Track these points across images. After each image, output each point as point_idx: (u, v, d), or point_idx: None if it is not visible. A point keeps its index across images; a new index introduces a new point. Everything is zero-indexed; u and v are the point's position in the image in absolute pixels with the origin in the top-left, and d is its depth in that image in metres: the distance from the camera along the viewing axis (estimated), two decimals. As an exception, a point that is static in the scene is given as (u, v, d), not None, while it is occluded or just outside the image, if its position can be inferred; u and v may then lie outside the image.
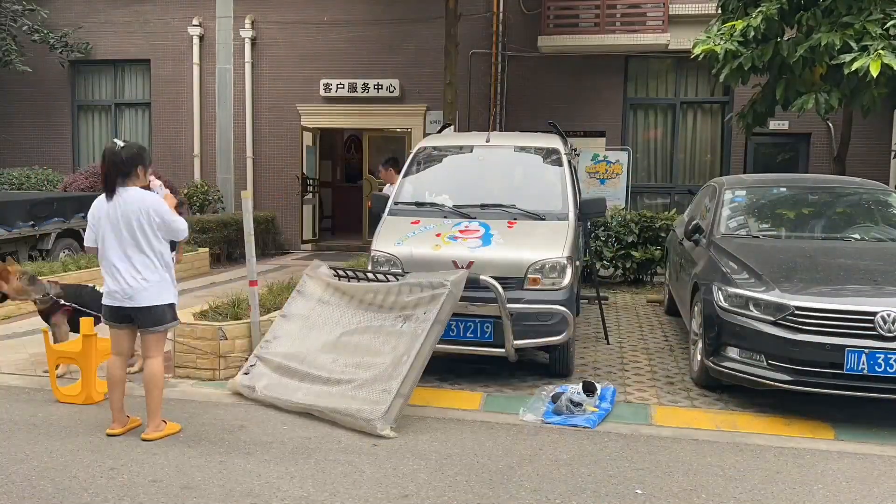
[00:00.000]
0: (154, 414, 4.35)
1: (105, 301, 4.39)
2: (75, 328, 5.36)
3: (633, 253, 9.69)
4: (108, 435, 4.35)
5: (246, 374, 5.19)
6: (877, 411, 4.94)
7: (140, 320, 4.37)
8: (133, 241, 4.31)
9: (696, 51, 8.46)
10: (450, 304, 4.82)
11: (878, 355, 4.45)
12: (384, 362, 4.72)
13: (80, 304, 5.50)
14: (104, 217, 4.34)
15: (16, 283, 5.45)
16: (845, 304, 4.61)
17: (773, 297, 4.77)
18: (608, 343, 6.75)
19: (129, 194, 4.34)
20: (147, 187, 4.72)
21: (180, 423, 4.52)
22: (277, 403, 4.88)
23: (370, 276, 5.41)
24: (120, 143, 4.41)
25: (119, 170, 4.34)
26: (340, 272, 5.61)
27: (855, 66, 7.23)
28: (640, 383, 5.55)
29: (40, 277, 5.71)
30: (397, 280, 5.17)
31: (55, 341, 5.36)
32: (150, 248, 4.34)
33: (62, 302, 5.48)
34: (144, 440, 4.26)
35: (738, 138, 12.42)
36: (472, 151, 6.80)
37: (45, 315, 5.55)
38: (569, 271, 5.43)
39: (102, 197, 4.38)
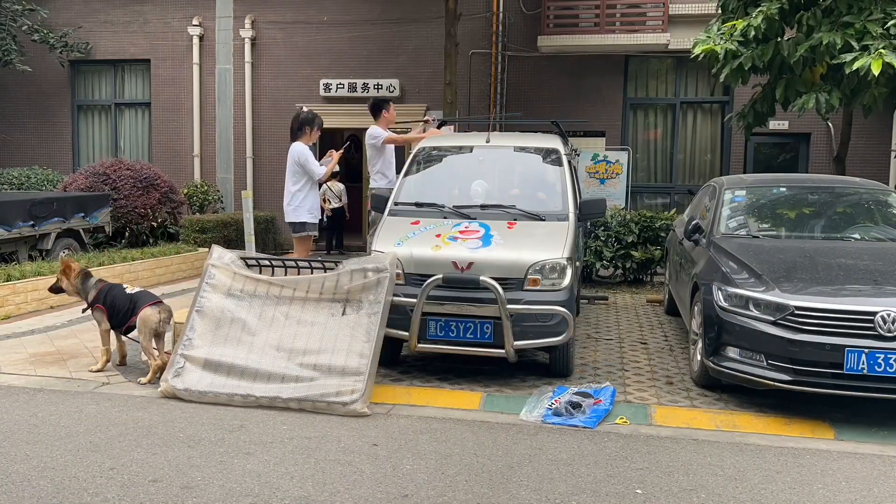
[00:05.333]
0: None
1: None
2: (119, 324, 5.62)
3: (633, 253, 9.69)
4: None
5: (177, 375, 5.06)
6: (877, 411, 4.94)
7: None
8: None
9: (696, 51, 8.46)
10: (392, 285, 5.24)
11: (877, 355, 4.46)
12: (343, 350, 4.95)
13: (111, 303, 5.59)
14: None
15: (73, 281, 5.70)
16: (845, 304, 4.61)
17: (773, 296, 4.77)
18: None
19: None
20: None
21: (181, 424, 4.52)
22: (230, 402, 4.90)
23: (286, 263, 5.66)
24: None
25: None
26: (250, 261, 5.64)
27: (856, 65, 7.23)
28: (639, 383, 5.55)
29: (93, 277, 5.83)
30: (323, 266, 5.44)
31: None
32: None
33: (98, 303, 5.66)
34: None
35: (738, 138, 12.42)
36: (471, 152, 6.81)
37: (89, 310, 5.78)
38: (569, 272, 5.43)
39: None
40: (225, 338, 5.17)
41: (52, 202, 9.64)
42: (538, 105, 13.12)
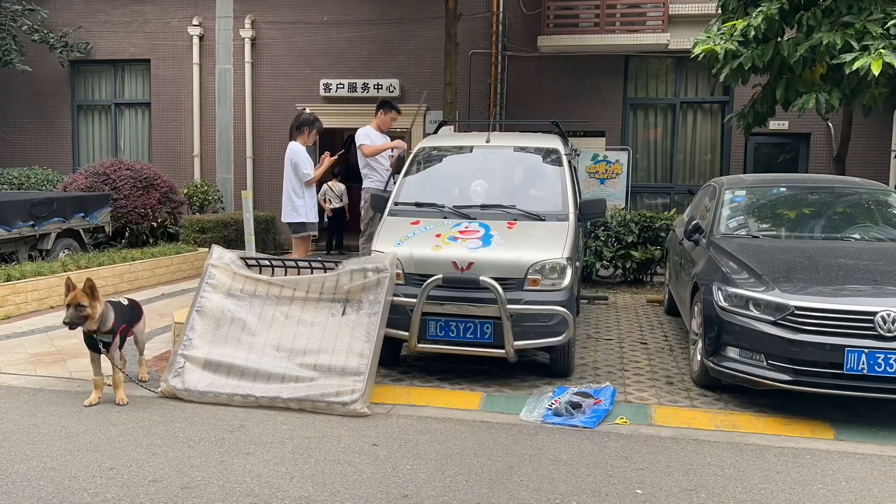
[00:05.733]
0: None
1: None
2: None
3: (633, 253, 9.69)
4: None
5: (177, 375, 5.05)
6: (877, 411, 4.94)
7: None
8: None
9: (696, 51, 8.46)
10: (392, 285, 5.24)
11: (877, 355, 4.45)
12: (343, 350, 4.95)
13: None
14: None
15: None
16: (845, 304, 4.61)
17: (773, 296, 4.77)
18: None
19: None
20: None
21: (181, 424, 4.53)
22: (230, 402, 4.90)
23: (286, 263, 5.67)
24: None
25: None
26: (250, 261, 5.65)
27: (856, 65, 7.23)
28: (639, 383, 5.55)
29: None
30: (323, 266, 5.44)
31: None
32: None
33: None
34: None
35: (738, 138, 12.42)
36: (471, 152, 6.81)
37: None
38: (569, 272, 5.43)
39: None
40: (225, 338, 5.18)
41: (52, 202, 9.64)
42: (538, 105, 13.13)
